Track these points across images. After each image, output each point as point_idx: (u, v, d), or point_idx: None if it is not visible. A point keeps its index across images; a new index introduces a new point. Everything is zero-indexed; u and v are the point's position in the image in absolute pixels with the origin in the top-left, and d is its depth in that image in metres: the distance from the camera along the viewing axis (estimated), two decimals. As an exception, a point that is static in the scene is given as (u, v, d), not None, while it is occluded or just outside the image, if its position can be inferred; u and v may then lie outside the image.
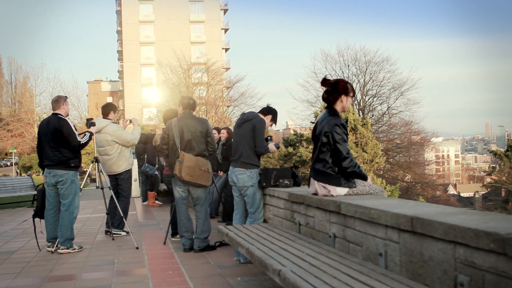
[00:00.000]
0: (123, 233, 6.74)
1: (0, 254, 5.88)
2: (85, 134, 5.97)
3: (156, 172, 10.77)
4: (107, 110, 6.78)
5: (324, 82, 3.86)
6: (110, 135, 6.57)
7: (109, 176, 6.83)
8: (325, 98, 3.87)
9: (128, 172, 6.87)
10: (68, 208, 5.72)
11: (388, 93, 36.93)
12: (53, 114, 5.82)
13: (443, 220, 2.28)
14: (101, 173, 6.49)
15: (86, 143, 5.90)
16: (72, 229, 5.78)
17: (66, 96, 6.02)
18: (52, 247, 5.77)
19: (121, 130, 6.68)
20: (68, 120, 5.77)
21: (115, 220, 6.74)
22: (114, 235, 6.59)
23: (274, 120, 5.15)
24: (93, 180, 27.59)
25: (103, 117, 6.75)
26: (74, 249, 5.76)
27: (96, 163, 6.46)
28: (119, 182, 6.80)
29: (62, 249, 5.69)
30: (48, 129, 5.72)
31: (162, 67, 37.64)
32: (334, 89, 3.79)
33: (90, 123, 6.24)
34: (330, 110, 3.80)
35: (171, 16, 58.90)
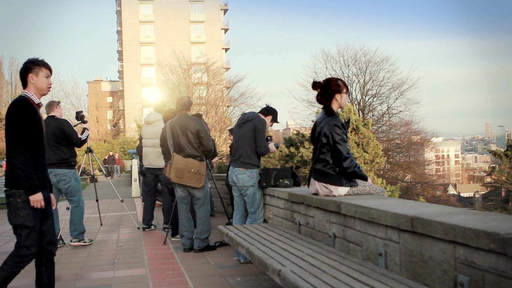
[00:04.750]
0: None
1: (0, 254, 5.87)
2: (83, 131, 6.16)
3: None
4: (161, 106, 7.09)
5: (315, 86, 3.83)
6: (160, 129, 6.78)
7: (148, 169, 7.07)
8: (319, 100, 3.85)
9: None
10: (78, 204, 6.03)
11: (388, 93, 36.88)
12: (49, 116, 6.00)
13: (443, 220, 2.28)
14: (94, 163, 6.75)
15: (85, 140, 6.12)
16: (83, 223, 6.15)
17: (58, 101, 6.31)
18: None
19: None
20: (67, 120, 5.99)
21: (165, 216, 6.89)
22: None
23: (274, 120, 5.15)
24: (86, 173, 27.39)
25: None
26: (85, 242, 6.09)
27: (90, 153, 6.74)
28: (162, 179, 6.88)
29: (74, 242, 6.03)
30: (49, 129, 5.78)
31: (162, 67, 37.63)
32: (326, 90, 3.76)
33: (80, 115, 6.45)
34: (327, 110, 3.78)
35: (171, 16, 58.87)
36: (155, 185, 7.23)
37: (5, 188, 3.19)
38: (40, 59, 3.32)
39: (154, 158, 6.91)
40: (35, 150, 3.19)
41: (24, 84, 3.28)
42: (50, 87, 3.36)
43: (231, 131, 8.12)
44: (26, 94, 3.24)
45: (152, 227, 7.26)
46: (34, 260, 3.31)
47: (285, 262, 2.96)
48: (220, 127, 32.74)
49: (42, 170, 3.26)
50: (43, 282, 3.35)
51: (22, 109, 3.15)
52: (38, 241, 3.24)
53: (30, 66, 3.26)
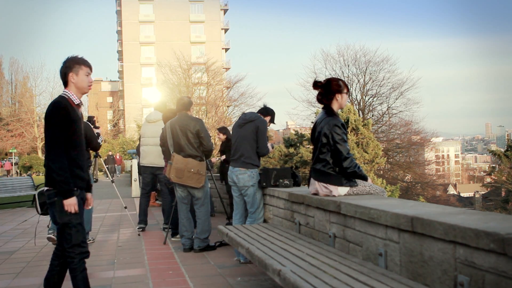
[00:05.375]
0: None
1: (0, 254, 5.88)
2: (98, 136, 6.28)
3: None
4: (162, 106, 7.15)
5: (316, 85, 3.84)
6: (162, 127, 6.82)
7: (147, 168, 7.03)
8: (320, 100, 3.85)
9: None
10: None
11: (388, 93, 36.87)
12: None
13: (443, 220, 2.28)
14: (103, 166, 6.90)
15: (101, 144, 6.30)
16: (91, 223, 6.36)
17: None
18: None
19: None
20: (88, 123, 6.04)
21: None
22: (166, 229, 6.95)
23: (272, 120, 5.20)
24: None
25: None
26: (89, 240, 6.27)
27: (99, 158, 6.85)
28: (161, 179, 6.90)
29: None
30: None
31: (162, 67, 37.62)
32: (327, 89, 3.77)
33: (92, 120, 6.52)
34: (328, 110, 3.78)
35: (171, 16, 58.88)
36: (154, 185, 7.22)
37: (46, 188, 3.13)
38: (79, 56, 3.24)
39: (155, 157, 6.91)
40: (75, 152, 3.13)
41: (65, 83, 3.20)
42: (91, 86, 3.28)
43: (220, 129, 8.17)
44: (66, 94, 3.17)
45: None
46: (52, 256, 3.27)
47: (285, 262, 2.96)
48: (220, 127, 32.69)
49: (83, 170, 3.22)
50: (54, 280, 3.28)
51: (60, 110, 3.08)
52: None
53: (70, 65, 3.17)
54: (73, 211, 3.09)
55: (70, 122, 3.10)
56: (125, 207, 7.26)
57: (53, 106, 3.11)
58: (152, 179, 7.11)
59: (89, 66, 3.24)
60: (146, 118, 7.31)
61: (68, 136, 3.08)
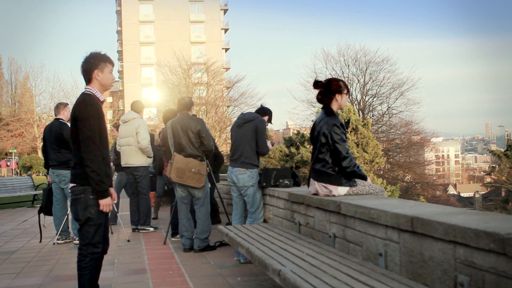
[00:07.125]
0: (151, 229, 7.03)
1: (0, 254, 5.88)
2: None
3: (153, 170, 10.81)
4: (138, 106, 7.12)
5: (316, 84, 3.85)
6: (135, 127, 6.85)
7: (126, 170, 7.01)
8: (320, 100, 3.86)
9: (146, 169, 7.07)
10: None
11: (388, 93, 36.88)
12: (55, 119, 6.33)
13: (443, 220, 2.28)
14: None
15: None
16: None
17: (66, 103, 6.50)
18: (61, 240, 6.31)
19: (144, 129, 6.90)
20: (68, 124, 6.09)
21: (141, 217, 7.04)
22: (142, 232, 6.94)
23: (270, 120, 5.21)
24: None
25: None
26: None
27: None
28: (138, 179, 6.97)
29: (78, 240, 6.33)
30: (51, 133, 6.21)
31: (162, 67, 37.59)
32: (327, 89, 3.78)
33: None
34: (327, 110, 3.79)
35: (171, 16, 58.88)
36: (136, 186, 7.11)
37: (73, 184, 3.11)
38: (102, 53, 3.19)
39: (129, 157, 6.91)
40: (104, 149, 3.12)
41: (88, 80, 3.15)
42: (113, 83, 3.25)
43: None
44: (91, 91, 3.13)
45: (151, 229, 7.16)
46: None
47: (285, 262, 2.96)
48: (220, 127, 32.73)
49: (108, 167, 3.20)
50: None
51: (93, 107, 3.05)
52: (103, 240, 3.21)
53: (96, 62, 3.12)
54: (108, 210, 3.11)
55: (100, 119, 3.09)
56: (117, 212, 7.12)
57: (85, 103, 3.07)
58: (135, 179, 7.01)
59: (112, 63, 3.22)
60: (121, 118, 7.30)
61: (99, 134, 3.07)
